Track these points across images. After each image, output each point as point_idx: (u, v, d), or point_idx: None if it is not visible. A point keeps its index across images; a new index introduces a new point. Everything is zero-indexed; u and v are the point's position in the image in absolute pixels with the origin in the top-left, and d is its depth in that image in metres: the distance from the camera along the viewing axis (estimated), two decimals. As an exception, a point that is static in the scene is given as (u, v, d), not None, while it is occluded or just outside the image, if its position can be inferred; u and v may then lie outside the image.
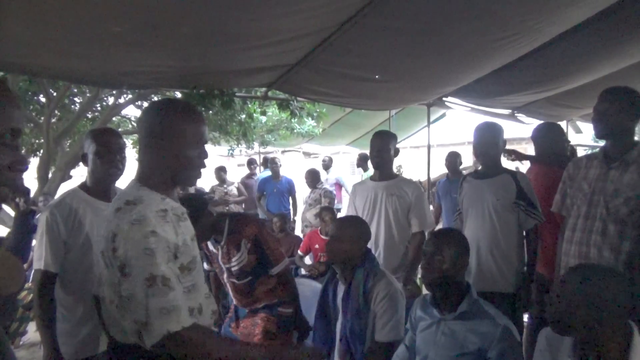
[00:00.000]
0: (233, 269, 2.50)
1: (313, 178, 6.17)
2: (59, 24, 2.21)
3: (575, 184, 2.26)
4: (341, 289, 2.31)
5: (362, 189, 3.14)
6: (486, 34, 2.82)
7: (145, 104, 8.01)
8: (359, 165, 7.84)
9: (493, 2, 2.44)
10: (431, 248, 1.92)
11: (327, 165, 7.78)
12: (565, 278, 1.47)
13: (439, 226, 4.98)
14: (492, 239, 2.60)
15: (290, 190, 6.70)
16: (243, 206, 7.23)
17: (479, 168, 2.95)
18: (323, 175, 7.56)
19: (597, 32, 3.06)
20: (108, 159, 2.00)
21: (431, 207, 4.66)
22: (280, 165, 6.83)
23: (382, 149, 2.98)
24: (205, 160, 1.41)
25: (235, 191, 7.10)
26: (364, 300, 2.16)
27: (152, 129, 1.33)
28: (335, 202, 6.79)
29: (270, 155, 7.98)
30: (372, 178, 3.12)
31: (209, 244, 2.60)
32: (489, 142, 2.67)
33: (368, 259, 2.27)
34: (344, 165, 17.77)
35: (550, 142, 3.02)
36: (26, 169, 0.86)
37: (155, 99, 7.24)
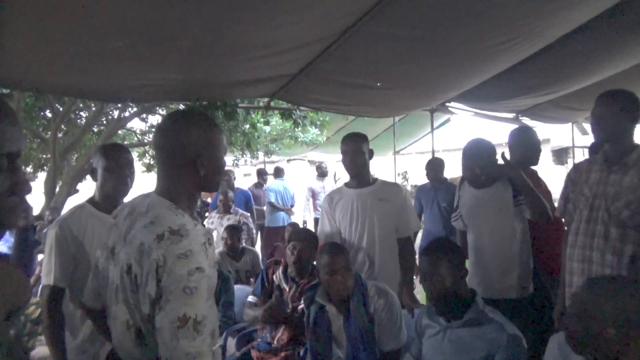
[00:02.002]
0: (299, 307, 2.56)
1: (227, 202, 5.22)
2: (61, 41, 2.24)
3: (577, 188, 2.24)
4: (335, 318, 2.28)
5: (341, 198, 2.79)
6: (487, 38, 2.82)
7: (150, 117, 8.07)
8: None
9: (493, 6, 2.44)
10: (428, 268, 1.87)
11: (323, 172, 7.56)
12: (583, 296, 1.35)
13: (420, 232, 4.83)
14: (498, 249, 2.56)
15: (246, 203, 6.27)
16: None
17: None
18: (318, 183, 7.48)
19: (599, 34, 3.05)
20: (117, 174, 2.01)
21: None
22: (234, 178, 6.40)
23: (355, 154, 2.70)
24: None
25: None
26: (367, 319, 2.15)
27: (190, 148, 1.28)
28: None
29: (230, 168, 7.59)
30: (348, 185, 2.81)
31: (280, 279, 2.73)
32: (483, 160, 2.60)
33: (357, 283, 2.24)
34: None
35: (527, 145, 2.93)
36: (29, 191, 0.79)
37: (160, 111, 7.29)
